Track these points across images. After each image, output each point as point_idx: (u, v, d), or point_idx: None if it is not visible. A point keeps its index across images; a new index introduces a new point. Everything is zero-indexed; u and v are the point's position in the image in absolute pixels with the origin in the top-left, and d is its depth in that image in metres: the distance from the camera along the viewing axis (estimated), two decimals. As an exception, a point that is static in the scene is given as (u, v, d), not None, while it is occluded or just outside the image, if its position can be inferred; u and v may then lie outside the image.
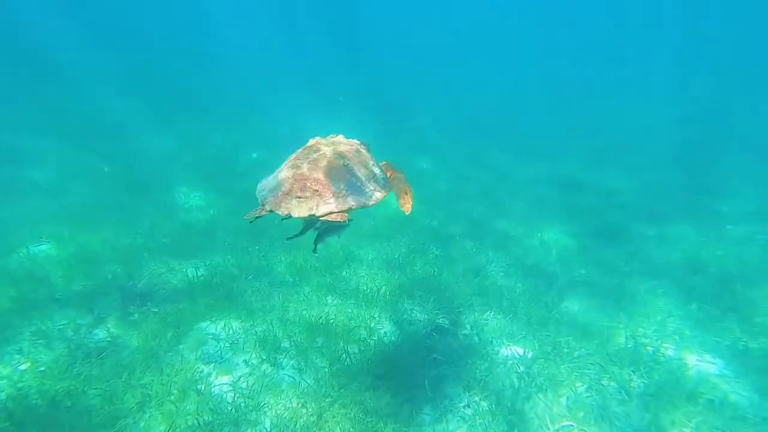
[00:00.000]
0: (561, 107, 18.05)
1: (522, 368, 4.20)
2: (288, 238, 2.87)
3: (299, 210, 2.37)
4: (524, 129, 14.61)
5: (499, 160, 11.43)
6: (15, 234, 5.93)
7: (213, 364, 4.00)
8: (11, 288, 4.57)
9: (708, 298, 5.57)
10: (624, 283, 5.86)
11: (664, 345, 4.78)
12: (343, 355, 4.23)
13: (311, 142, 3.07)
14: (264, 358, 4.15)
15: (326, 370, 4.02)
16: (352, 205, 2.49)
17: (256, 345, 4.28)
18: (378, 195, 2.62)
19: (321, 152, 2.73)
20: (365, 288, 5.49)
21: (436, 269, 6.07)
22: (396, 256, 6.34)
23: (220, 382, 3.81)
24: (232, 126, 12.30)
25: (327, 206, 2.41)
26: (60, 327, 4.17)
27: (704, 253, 6.80)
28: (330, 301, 5.29)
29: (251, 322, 4.65)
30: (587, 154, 12.22)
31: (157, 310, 4.51)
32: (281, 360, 4.18)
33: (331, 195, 2.45)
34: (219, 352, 4.18)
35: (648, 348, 4.64)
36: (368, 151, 3.16)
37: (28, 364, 3.72)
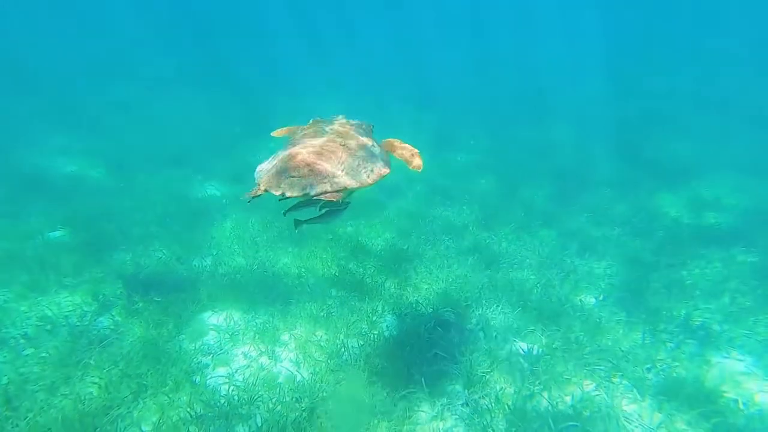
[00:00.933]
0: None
1: (526, 365, 4.02)
2: (284, 212, 2.78)
3: (293, 189, 2.36)
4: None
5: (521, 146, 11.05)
6: (34, 220, 6.13)
7: (212, 355, 4.01)
8: (23, 274, 4.69)
9: (743, 290, 5.20)
10: (648, 275, 5.54)
11: (687, 341, 4.48)
12: (342, 349, 4.16)
13: (311, 122, 3.09)
14: (263, 350, 4.13)
15: (323, 364, 3.96)
16: (348, 185, 2.46)
17: (255, 337, 4.26)
18: (375, 174, 2.59)
19: (319, 132, 2.73)
20: (370, 280, 5.39)
21: (446, 261, 5.91)
22: (405, 247, 6.20)
23: (217, 374, 3.81)
24: (256, 116, 12.28)
25: (322, 186, 2.39)
26: (66, 313, 4.26)
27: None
28: (334, 293, 5.22)
29: (253, 314, 4.63)
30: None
31: (159, 299, 4.54)
32: (280, 352, 4.14)
33: (326, 174, 2.43)
34: (219, 343, 4.18)
35: (667, 344, 4.37)
36: (371, 132, 3.18)
37: (32, 350, 3.82)
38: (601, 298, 5.10)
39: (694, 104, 13.56)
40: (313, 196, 2.42)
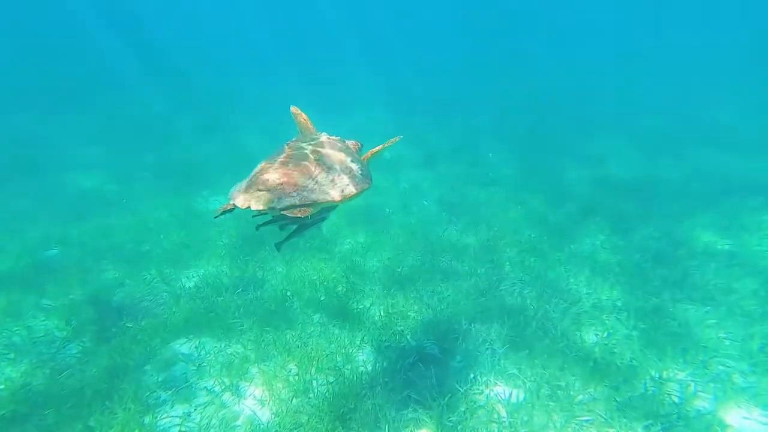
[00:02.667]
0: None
1: (505, 415, 3.65)
2: (257, 227, 2.81)
3: (258, 203, 2.34)
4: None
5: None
6: (34, 237, 6.25)
7: (173, 390, 3.86)
8: (1, 295, 4.72)
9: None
10: (663, 308, 5.00)
11: (700, 393, 3.97)
12: (310, 387, 3.92)
13: (294, 139, 3.06)
14: (227, 385, 3.94)
15: (287, 405, 3.73)
16: (317, 199, 2.44)
17: (222, 369, 4.08)
18: (350, 190, 2.58)
19: (296, 148, 2.74)
20: (355, 306, 5.14)
21: (440, 286, 5.57)
22: (399, 270, 5.91)
23: (173, 413, 3.64)
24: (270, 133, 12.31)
25: (289, 199, 2.37)
26: (36, 339, 4.23)
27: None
28: (316, 319, 5.00)
29: (226, 342, 4.47)
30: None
31: (131, 325, 4.45)
32: (245, 388, 3.95)
33: (294, 188, 2.42)
34: (185, 375, 4.03)
35: (673, 397, 3.88)
36: (358, 150, 3.21)
37: (-10, 381, 3.78)
38: (604, 335, 4.63)
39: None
40: (279, 210, 2.39)
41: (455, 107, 15.73)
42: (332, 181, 2.58)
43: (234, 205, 2.42)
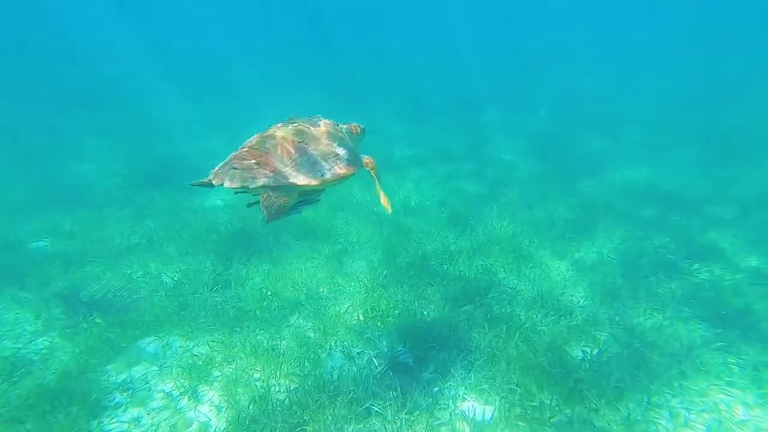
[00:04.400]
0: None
1: (470, 435, 3.38)
2: (248, 205, 2.75)
3: (232, 181, 2.34)
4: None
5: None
6: (26, 229, 6.30)
7: (130, 392, 3.74)
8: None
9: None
10: (666, 326, 4.59)
11: (693, 423, 3.59)
12: (271, 392, 3.74)
13: (285, 120, 3.00)
14: (186, 388, 3.80)
15: (243, 413, 3.56)
16: (292, 182, 2.42)
17: (184, 371, 3.95)
18: (331, 174, 2.54)
19: (281, 128, 2.70)
20: (333, 309, 4.94)
21: (426, 290, 5.31)
22: (386, 271, 5.67)
23: (124, 418, 3.51)
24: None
25: (264, 179, 2.36)
26: (3, 333, 4.21)
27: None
28: (293, 321, 4.83)
29: (194, 342, 4.35)
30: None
31: (100, 321, 4.38)
32: (204, 393, 3.80)
33: (271, 169, 2.39)
34: (145, 376, 3.92)
35: (660, 424, 3.52)
36: (358, 133, 3.19)
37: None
38: (594, 352, 4.27)
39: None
40: (251, 189, 2.40)
41: (471, 106, 15.28)
42: (313, 164, 2.53)
43: (210, 180, 2.43)
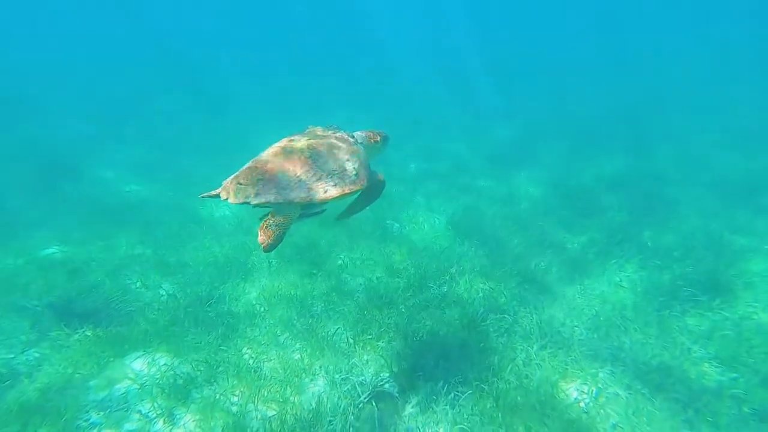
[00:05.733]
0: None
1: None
2: (260, 218, 2.74)
3: (236, 196, 2.37)
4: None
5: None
6: (40, 235, 6.48)
7: (107, 411, 3.68)
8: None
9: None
10: (676, 367, 4.20)
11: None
12: (246, 419, 3.62)
13: (308, 128, 3.06)
14: (164, 410, 3.73)
15: (216, 439, 3.46)
16: (295, 198, 2.40)
17: (164, 391, 3.89)
18: (331, 192, 2.50)
19: (293, 142, 2.69)
20: (323, 330, 4.80)
21: (421, 313, 5.09)
22: (383, 291, 5.49)
23: (95, 440, 3.48)
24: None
25: (266, 196, 2.35)
26: (-3, 343, 4.27)
27: None
28: (282, 340, 4.72)
29: (180, 360, 4.29)
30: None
31: (90, 333, 4.39)
32: (180, 416, 3.71)
33: (273, 186, 2.38)
34: (125, 395, 3.87)
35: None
36: (378, 142, 3.13)
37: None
38: (592, 392, 3.95)
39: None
40: (254, 206, 2.41)
41: (494, 117, 14.92)
42: (318, 180, 2.49)
43: (218, 193, 2.48)
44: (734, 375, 4.11)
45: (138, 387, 3.93)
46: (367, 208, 3.08)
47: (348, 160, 2.69)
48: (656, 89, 17.22)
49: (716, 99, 15.64)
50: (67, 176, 8.76)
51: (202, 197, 2.53)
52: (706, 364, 4.21)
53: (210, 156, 10.29)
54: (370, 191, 2.92)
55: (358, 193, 2.78)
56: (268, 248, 2.52)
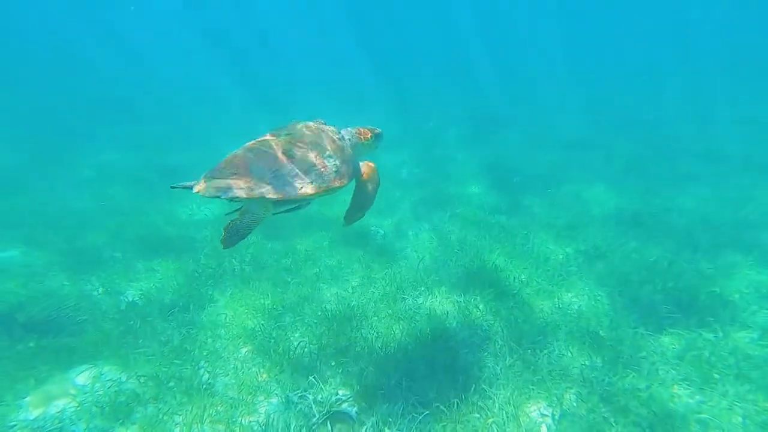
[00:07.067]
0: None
1: None
2: (226, 214, 2.72)
3: (207, 190, 2.25)
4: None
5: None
6: (6, 234, 6.10)
7: (36, 433, 3.32)
8: None
9: None
10: (641, 389, 3.86)
11: None
12: (188, 444, 3.25)
13: (288, 125, 2.86)
14: (99, 431, 3.36)
15: (149, 466, 3.08)
16: (266, 194, 2.28)
17: (103, 410, 3.50)
18: (306, 189, 2.38)
19: (274, 136, 2.58)
20: (285, 343, 4.43)
21: (394, 326, 4.73)
22: (354, 303, 5.14)
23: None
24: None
25: (237, 191, 2.24)
26: (-66, 355, 3.88)
27: None
28: (242, 353, 4.35)
29: (127, 374, 3.91)
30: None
31: (33, 345, 4.01)
32: (118, 437, 3.35)
33: (246, 181, 2.27)
34: (61, 413, 3.49)
35: None
36: (369, 139, 3.01)
37: None
38: (556, 415, 3.60)
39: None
40: (226, 200, 2.31)
41: (493, 123, 14.44)
42: (295, 176, 2.37)
43: (191, 185, 2.35)
44: (701, 398, 3.77)
45: (77, 405, 3.54)
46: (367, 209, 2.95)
47: (329, 156, 2.55)
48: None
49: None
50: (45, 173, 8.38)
51: (173, 188, 2.35)
52: (676, 386, 3.86)
53: (196, 153, 9.96)
54: (361, 189, 2.82)
55: (338, 191, 2.62)
56: (227, 244, 2.50)
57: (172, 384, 3.81)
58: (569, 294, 5.48)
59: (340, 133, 2.90)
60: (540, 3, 30.78)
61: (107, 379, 3.82)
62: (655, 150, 11.43)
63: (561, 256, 6.23)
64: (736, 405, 3.60)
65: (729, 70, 19.69)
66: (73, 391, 3.66)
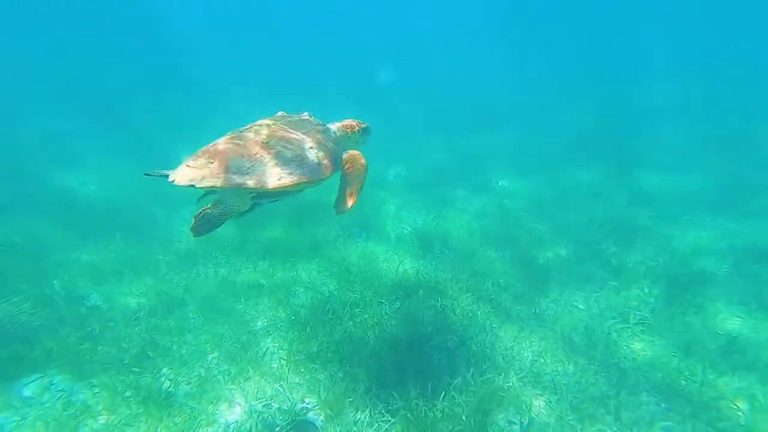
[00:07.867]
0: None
1: None
2: (198, 200, 2.67)
3: (182, 177, 2.17)
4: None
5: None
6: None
7: (-26, 448, 3.02)
8: None
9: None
10: (609, 397, 3.71)
11: None
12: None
13: (272, 117, 2.79)
14: (43, 446, 3.07)
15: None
16: (243, 184, 2.19)
17: (48, 424, 3.21)
18: (285, 181, 2.28)
19: (256, 127, 2.51)
20: (255, 349, 4.18)
21: (368, 332, 4.49)
22: (330, 307, 4.88)
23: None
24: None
25: (212, 180, 2.15)
26: None
27: None
28: (209, 360, 4.08)
29: (81, 383, 3.62)
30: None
31: (-16, 353, 3.69)
32: (62, 453, 3.06)
33: (222, 170, 2.18)
34: (3, 427, 3.19)
35: None
36: (356, 132, 2.92)
37: None
38: (525, 423, 3.41)
39: None
40: (200, 189, 2.27)
41: (479, 122, 13.81)
42: (273, 166, 2.27)
43: (167, 173, 2.28)
44: (665, 405, 3.62)
45: (19, 419, 3.24)
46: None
47: (311, 148, 2.47)
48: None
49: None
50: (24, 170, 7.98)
51: (147, 175, 2.23)
52: (644, 394, 3.71)
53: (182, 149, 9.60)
54: (345, 178, 2.70)
55: (319, 183, 2.51)
56: (197, 232, 2.43)
57: (128, 394, 3.53)
58: (546, 300, 5.30)
59: (325, 125, 2.83)
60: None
61: (57, 389, 3.52)
62: None
63: (542, 260, 6.07)
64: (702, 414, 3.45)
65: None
66: (16, 404, 3.36)
